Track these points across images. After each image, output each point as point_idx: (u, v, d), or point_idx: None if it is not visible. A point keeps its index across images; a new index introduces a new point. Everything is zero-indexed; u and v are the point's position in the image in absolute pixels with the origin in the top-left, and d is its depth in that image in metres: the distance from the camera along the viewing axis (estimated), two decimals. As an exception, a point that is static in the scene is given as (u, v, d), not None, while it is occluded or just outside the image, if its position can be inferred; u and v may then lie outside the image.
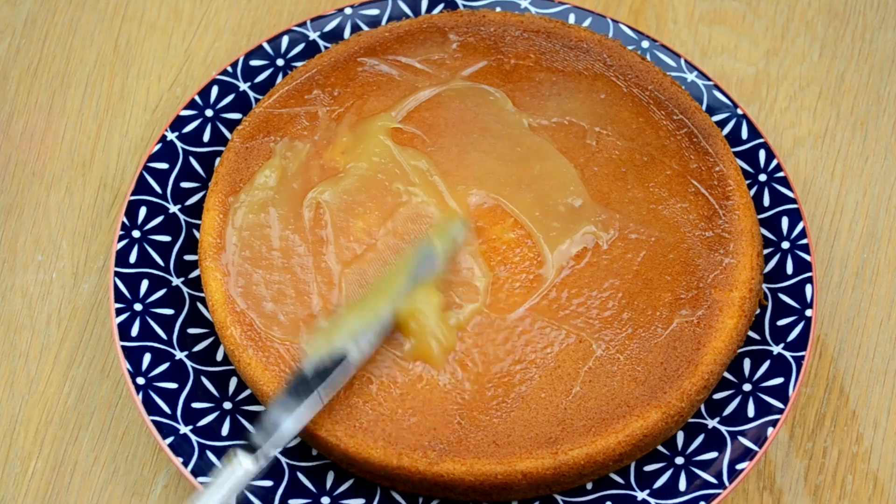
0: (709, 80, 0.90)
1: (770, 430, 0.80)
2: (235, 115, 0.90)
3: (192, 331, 0.84)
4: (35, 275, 0.89)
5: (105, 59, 0.95)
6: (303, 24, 0.92)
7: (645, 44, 0.91)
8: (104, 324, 0.87)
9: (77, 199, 0.91)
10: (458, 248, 0.82)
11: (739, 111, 0.89)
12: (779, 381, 0.82)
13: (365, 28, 0.92)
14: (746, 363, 0.83)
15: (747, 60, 0.95)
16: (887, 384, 0.86)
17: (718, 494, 0.79)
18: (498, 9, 0.93)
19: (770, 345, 0.83)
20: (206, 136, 0.89)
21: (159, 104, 0.94)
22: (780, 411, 0.81)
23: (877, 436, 0.85)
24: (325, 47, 0.92)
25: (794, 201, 0.87)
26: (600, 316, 0.81)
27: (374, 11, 0.93)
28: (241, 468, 0.74)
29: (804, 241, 0.86)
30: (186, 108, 0.89)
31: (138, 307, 0.83)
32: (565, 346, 0.81)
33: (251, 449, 0.75)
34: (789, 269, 0.85)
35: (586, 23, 0.92)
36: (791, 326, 0.84)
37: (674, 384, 0.80)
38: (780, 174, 0.87)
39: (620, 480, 0.80)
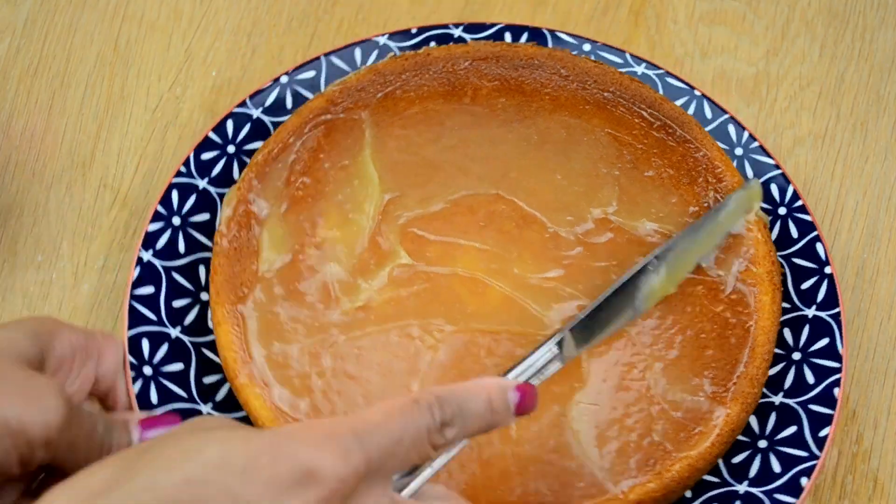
0: (658, 68, 0.89)
1: (836, 390, 0.80)
2: (203, 217, 0.86)
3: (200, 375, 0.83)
4: (35, 275, 0.88)
5: (105, 59, 0.95)
6: (243, 104, 0.88)
7: (586, 46, 0.90)
8: (104, 324, 0.87)
9: (77, 199, 0.91)
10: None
11: (697, 92, 0.89)
12: (825, 341, 0.82)
13: (308, 96, 0.88)
14: (787, 333, 0.83)
15: (747, 60, 0.95)
16: (887, 384, 0.86)
17: (815, 465, 0.78)
18: (432, 44, 0.90)
19: (802, 309, 0.83)
20: (182, 248, 0.85)
21: (159, 104, 0.94)
22: (838, 371, 0.81)
23: (877, 436, 0.85)
24: (272, 123, 0.88)
25: (777, 167, 0.87)
26: (646, 327, 0.81)
27: (310, 74, 0.89)
28: None
29: (799, 203, 0.85)
30: (153, 220, 0.84)
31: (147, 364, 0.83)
32: (622, 362, 0.80)
33: None
34: (794, 233, 0.85)
35: (523, 38, 0.90)
36: (816, 287, 0.83)
37: (740, 372, 0.79)
38: (755, 144, 0.87)
39: (715, 479, 0.80)
